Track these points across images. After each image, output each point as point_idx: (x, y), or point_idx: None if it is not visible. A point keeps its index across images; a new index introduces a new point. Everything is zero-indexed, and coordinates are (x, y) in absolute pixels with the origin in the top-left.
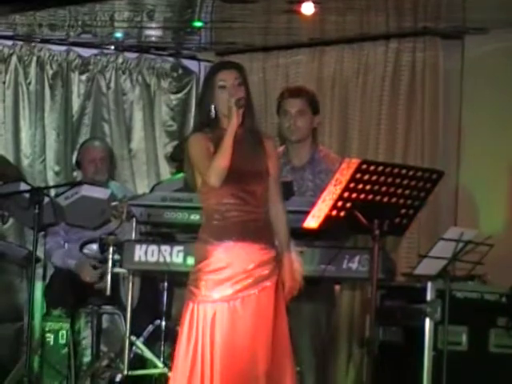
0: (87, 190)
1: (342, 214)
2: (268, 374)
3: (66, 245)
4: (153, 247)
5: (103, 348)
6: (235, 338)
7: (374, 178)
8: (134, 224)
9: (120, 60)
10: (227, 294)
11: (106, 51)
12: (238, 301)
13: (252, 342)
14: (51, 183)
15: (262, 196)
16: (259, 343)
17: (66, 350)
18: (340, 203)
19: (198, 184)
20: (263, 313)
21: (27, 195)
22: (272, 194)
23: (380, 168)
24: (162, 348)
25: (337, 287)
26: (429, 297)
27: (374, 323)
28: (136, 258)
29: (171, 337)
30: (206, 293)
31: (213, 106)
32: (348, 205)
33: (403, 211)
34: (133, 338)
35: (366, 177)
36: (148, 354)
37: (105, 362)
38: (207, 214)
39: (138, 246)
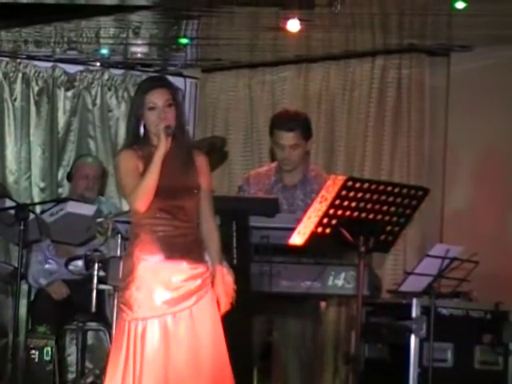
0: (72, 207)
1: (328, 230)
2: None
3: (49, 262)
4: None
5: (88, 365)
6: (167, 353)
7: (360, 194)
8: (120, 241)
9: (106, 76)
10: (156, 309)
11: (91, 68)
12: (170, 316)
13: (186, 358)
14: (36, 200)
15: (192, 211)
16: (194, 358)
17: (50, 366)
18: (325, 220)
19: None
20: (198, 327)
21: (12, 212)
22: (203, 210)
23: (366, 185)
24: None
25: (322, 304)
26: (414, 313)
27: (360, 340)
28: (121, 275)
29: None
30: (135, 309)
31: (142, 125)
32: (333, 222)
33: (389, 228)
34: None
35: (352, 194)
36: None
37: (90, 379)
38: (136, 227)
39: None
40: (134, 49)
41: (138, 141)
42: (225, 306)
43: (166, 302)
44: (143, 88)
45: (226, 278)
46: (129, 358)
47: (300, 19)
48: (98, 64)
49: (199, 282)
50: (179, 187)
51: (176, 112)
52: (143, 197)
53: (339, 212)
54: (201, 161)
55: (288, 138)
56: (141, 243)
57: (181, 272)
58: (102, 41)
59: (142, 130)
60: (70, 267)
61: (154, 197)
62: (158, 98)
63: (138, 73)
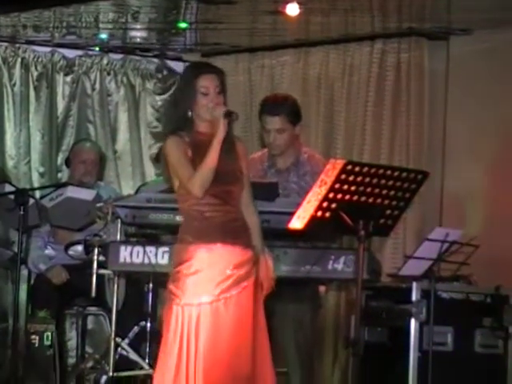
0: (72, 192)
1: (327, 214)
2: (250, 372)
3: (49, 247)
4: (138, 248)
5: (88, 349)
6: (218, 338)
7: (359, 178)
8: (119, 225)
9: (105, 61)
10: (211, 296)
11: (90, 52)
12: (221, 302)
13: (234, 342)
14: (36, 184)
15: (239, 196)
16: (240, 343)
17: (51, 351)
18: (325, 204)
19: (176, 186)
20: (243, 313)
21: (12, 197)
22: (244, 195)
23: (365, 169)
24: (148, 349)
25: (322, 288)
26: (414, 297)
27: (360, 324)
28: (121, 260)
29: (156, 338)
30: (190, 295)
31: (189, 110)
32: (333, 206)
33: (388, 212)
34: (118, 339)
35: (351, 178)
36: (133, 355)
37: (90, 364)
38: (187, 214)
39: (123, 248)
40: (133, 33)
41: (183, 126)
42: (266, 290)
43: (220, 289)
44: (194, 73)
45: (268, 262)
46: (183, 342)
47: (299, 3)
48: (97, 49)
49: (248, 267)
50: (227, 172)
51: (224, 99)
52: (204, 183)
53: (339, 196)
54: (240, 147)
55: (273, 122)
56: (194, 229)
57: (234, 257)
58: (101, 25)
59: (189, 115)
60: (70, 252)
61: None
62: (209, 83)
63: (137, 57)
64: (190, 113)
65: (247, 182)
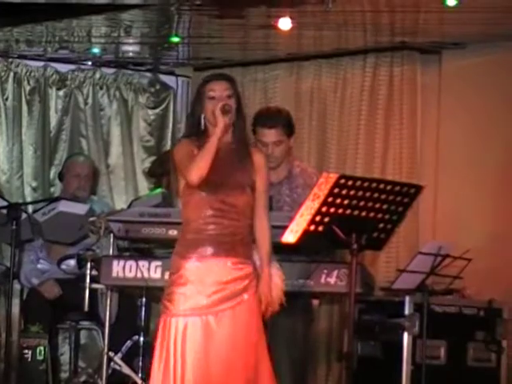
0: (65, 206)
1: (320, 228)
2: None
3: (42, 262)
4: (130, 263)
5: (81, 364)
6: (208, 352)
7: (352, 192)
8: (112, 239)
9: (97, 75)
10: (199, 308)
11: (83, 67)
12: (212, 316)
13: (227, 358)
14: (28, 199)
15: (244, 210)
16: (235, 358)
17: (44, 365)
18: (318, 218)
19: (180, 192)
20: (240, 328)
21: (5, 211)
22: (258, 208)
23: (358, 182)
24: (140, 363)
25: (315, 301)
26: (407, 311)
27: (353, 337)
28: (114, 274)
29: (149, 352)
30: (177, 306)
31: (202, 117)
32: (326, 219)
33: (381, 226)
34: (111, 353)
35: (344, 191)
36: (126, 369)
37: (83, 378)
38: (184, 225)
39: (115, 262)
40: (125, 48)
41: (197, 133)
42: (267, 308)
43: (210, 301)
44: (204, 80)
45: (274, 279)
46: (169, 353)
47: (291, 17)
48: (90, 63)
49: (245, 282)
50: (232, 184)
51: (236, 105)
52: (199, 169)
53: (332, 210)
54: (258, 159)
55: (270, 134)
56: (188, 241)
57: (226, 272)
58: (93, 40)
59: (202, 122)
60: (63, 266)
61: (205, 193)
62: (217, 87)
63: (130, 71)
64: (203, 121)
65: (262, 195)
